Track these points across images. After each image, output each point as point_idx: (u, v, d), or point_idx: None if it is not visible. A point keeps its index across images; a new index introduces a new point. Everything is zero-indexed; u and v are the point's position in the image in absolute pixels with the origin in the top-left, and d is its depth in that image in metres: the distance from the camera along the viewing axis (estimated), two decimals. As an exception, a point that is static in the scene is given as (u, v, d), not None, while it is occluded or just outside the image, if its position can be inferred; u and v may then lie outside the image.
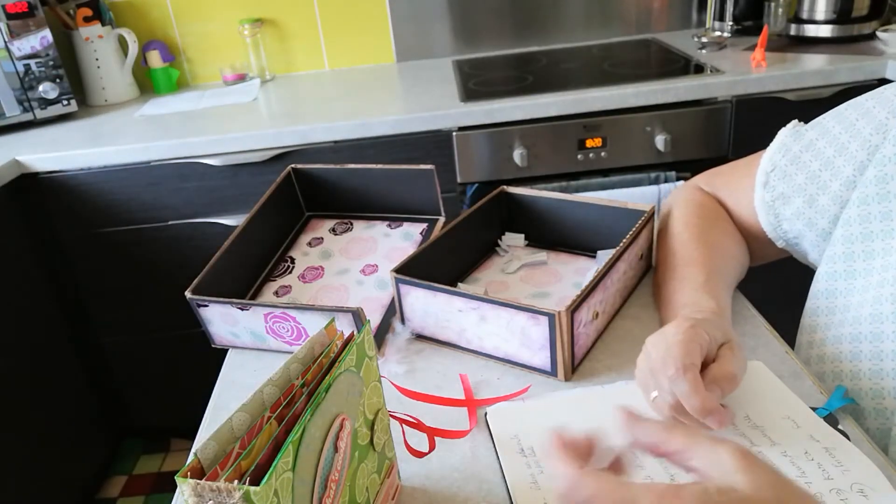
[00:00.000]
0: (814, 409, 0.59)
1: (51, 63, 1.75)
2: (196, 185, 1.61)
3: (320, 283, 0.87)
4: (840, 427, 0.57)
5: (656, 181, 1.60)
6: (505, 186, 0.92)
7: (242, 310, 0.74)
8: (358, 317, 0.69)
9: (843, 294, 0.67)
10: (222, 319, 0.77)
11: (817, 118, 0.73)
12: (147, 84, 2.07)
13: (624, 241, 0.75)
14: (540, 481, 0.55)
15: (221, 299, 0.75)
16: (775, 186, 0.73)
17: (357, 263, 0.89)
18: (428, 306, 0.73)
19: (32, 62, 1.72)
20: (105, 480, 1.95)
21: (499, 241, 0.92)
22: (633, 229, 0.77)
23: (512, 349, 0.69)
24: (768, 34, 1.70)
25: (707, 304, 0.65)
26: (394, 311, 0.79)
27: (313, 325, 0.72)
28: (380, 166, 0.91)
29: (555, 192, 0.90)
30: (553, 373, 0.67)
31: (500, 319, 0.68)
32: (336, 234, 0.95)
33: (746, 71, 1.60)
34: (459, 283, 0.85)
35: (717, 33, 1.87)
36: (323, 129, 1.55)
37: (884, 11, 1.77)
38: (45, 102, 1.76)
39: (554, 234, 0.90)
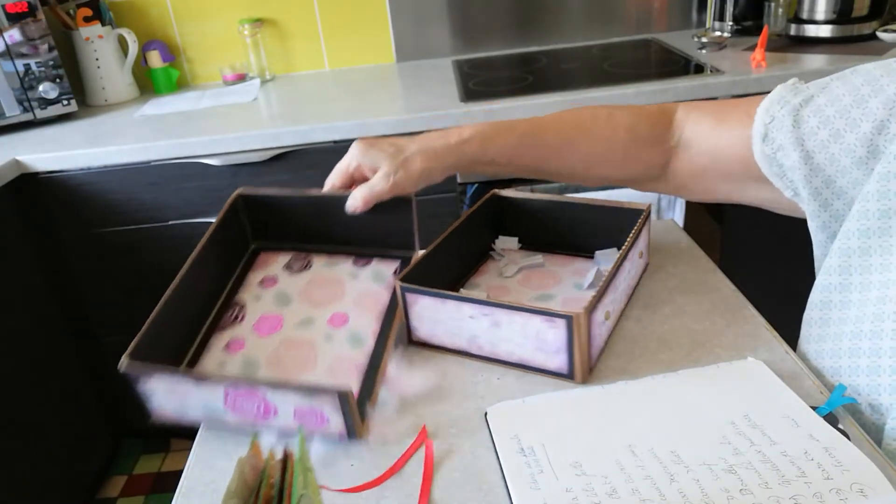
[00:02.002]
0: (814, 408, 0.59)
1: (51, 63, 1.75)
2: (196, 185, 1.61)
3: (280, 337, 0.72)
4: (840, 426, 0.57)
5: (656, 181, 1.60)
6: (496, 189, 0.92)
7: (197, 383, 0.61)
8: (346, 401, 0.57)
9: (839, 307, 0.67)
10: (168, 393, 0.63)
11: (819, 80, 0.72)
12: (147, 84, 2.07)
13: (629, 238, 0.74)
14: (540, 481, 0.55)
15: (170, 368, 0.62)
16: (775, 138, 0.72)
17: (323, 312, 0.75)
18: (436, 314, 0.71)
19: (32, 62, 1.72)
20: (105, 480, 1.95)
21: (492, 246, 0.92)
22: (636, 227, 0.77)
23: (527, 354, 0.68)
24: (768, 34, 1.70)
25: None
26: (374, 374, 0.68)
27: (286, 403, 0.60)
28: (347, 192, 0.79)
29: (551, 192, 0.90)
30: (570, 375, 0.67)
31: (515, 324, 0.67)
32: (292, 273, 0.80)
33: (746, 71, 1.60)
34: (462, 290, 0.84)
35: (717, 33, 1.87)
36: (323, 129, 1.55)
37: (884, 11, 1.77)
38: (45, 102, 1.76)
39: (547, 236, 0.90)
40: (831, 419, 0.58)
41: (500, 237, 0.92)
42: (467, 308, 0.69)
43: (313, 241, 0.82)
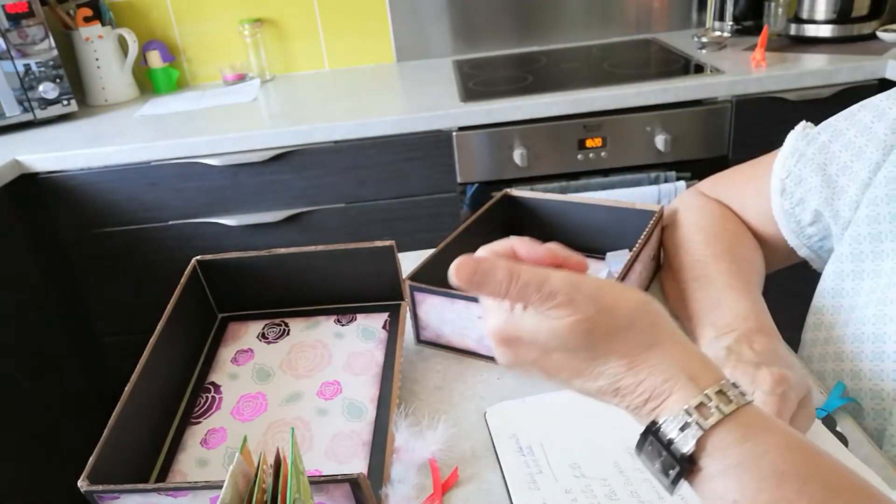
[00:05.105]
0: (813, 409, 0.59)
1: (51, 63, 1.75)
2: (196, 185, 1.61)
3: (266, 420, 0.64)
4: (838, 429, 0.57)
5: (656, 181, 1.60)
6: (508, 190, 0.91)
7: (175, 496, 0.50)
8: (359, 488, 0.49)
9: (850, 294, 0.67)
10: None
11: (827, 120, 0.73)
12: (147, 84, 2.07)
13: (640, 240, 0.74)
14: (539, 481, 0.55)
15: (138, 486, 0.50)
16: (793, 192, 0.72)
17: (310, 383, 0.67)
18: (444, 314, 0.71)
19: (32, 62, 1.72)
20: (105, 480, 1.95)
21: None
22: (647, 229, 0.76)
23: None
24: (768, 34, 1.70)
25: (769, 326, 0.63)
26: (382, 447, 0.61)
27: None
28: (320, 248, 0.72)
29: (556, 193, 0.90)
30: None
31: None
32: (269, 342, 0.72)
33: (746, 71, 1.60)
34: None
35: (717, 33, 1.87)
36: (323, 129, 1.55)
37: (884, 11, 1.77)
38: (45, 102, 1.76)
39: (558, 237, 0.89)
40: (830, 421, 0.58)
41: (512, 237, 0.92)
42: (476, 308, 0.69)
43: (287, 304, 0.75)
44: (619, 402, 0.41)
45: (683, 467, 0.38)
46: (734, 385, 0.39)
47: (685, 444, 0.38)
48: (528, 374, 0.44)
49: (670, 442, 0.38)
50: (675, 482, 0.39)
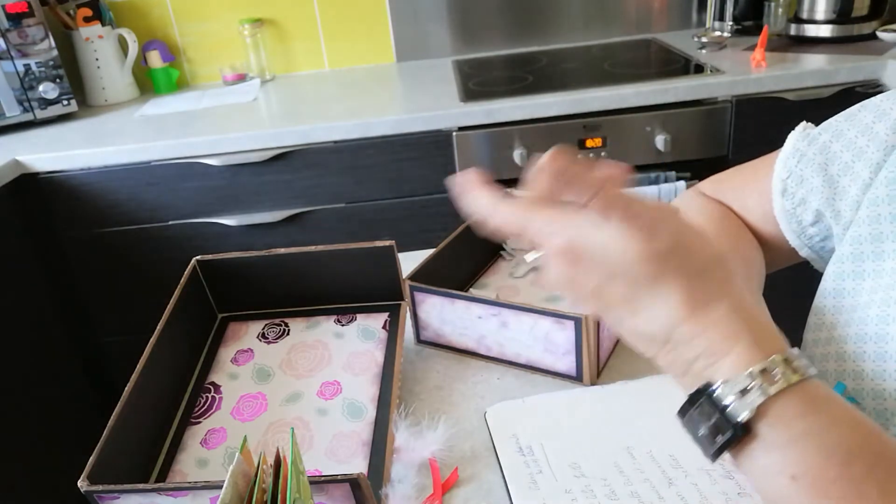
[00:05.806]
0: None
1: (51, 63, 1.75)
2: (196, 185, 1.61)
3: (266, 420, 0.64)
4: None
5: (656, 181, 1.60)
6: (508, 190, 0.91)
7: (175, 496, 0.50)
8: (359, 488, 0.49)
9: (851, 294, 0.67)
10: None
11: (828, 120, 0.73)
12: (147, 84, 2.07)
13: None
14: (539, 481, 0.55)
15: (138, 486, 0.50)
16: (794, 193, 0.72)
17: (310, 383, 0.67)
18: (445, 314, 0.71)
19: (32, 62, 1.72)
20: (105, 480, 1.95)
21: (503, 245, 0.92)
22: None
23: (535, 355, 0.68)
24: (768, 34, 1.70)
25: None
26: (382, 447, 0.60)
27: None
28: (320, 248, 0.72)
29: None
30: (579, 378, 0.67)
31: (523, 325, 0.67)
32: (269, 342, 0.72)
33: (746, 71, 1.60)
34: (471, 290, 0.84)
35: (717, 33, 1.87)
36: (323, 129, 1.55)
37: (884, 11, 1.77)
38: (45, 102, 1.76)
39: None
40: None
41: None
42: (476, 308, 0.69)
43: (287, 304, 0.75)
44: (667, 353, 0.39)
45: (737, 433, 0.36)
46: (799, 356, 0.37)
47: (742, 410, 0.36)
48: (579, 302, 0.41)
49: (725, 407, 0.36)
50: (720, 450, 0.37)
